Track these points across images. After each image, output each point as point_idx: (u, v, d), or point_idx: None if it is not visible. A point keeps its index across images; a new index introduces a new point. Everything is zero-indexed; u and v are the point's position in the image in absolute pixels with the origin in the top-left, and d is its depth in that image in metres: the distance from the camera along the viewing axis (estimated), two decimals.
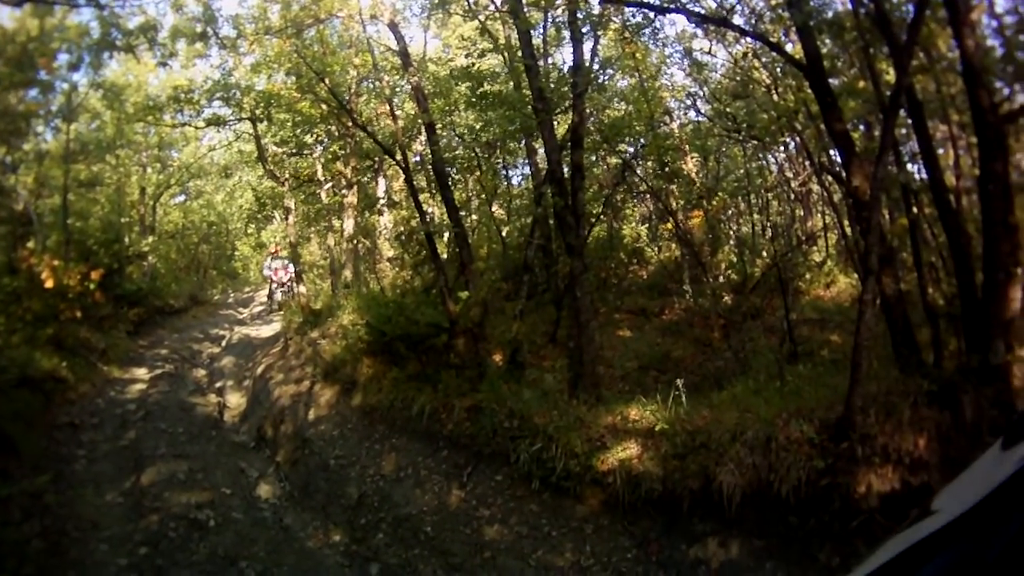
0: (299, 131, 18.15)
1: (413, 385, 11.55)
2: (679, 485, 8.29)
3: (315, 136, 17.96)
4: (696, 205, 18.06)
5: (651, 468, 8.54)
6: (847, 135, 9.01)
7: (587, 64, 12.55)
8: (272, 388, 14.32)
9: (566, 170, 12.23)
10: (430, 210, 17.21)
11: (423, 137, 15.01)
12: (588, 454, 9.02)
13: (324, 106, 14.72)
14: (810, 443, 7.83)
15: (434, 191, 16.33)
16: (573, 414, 9.77)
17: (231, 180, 27.69)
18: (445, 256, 14.90)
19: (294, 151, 19.43)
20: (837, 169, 10.39)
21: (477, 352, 11.71)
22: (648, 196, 19.37)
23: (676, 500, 8.30)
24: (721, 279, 16.65)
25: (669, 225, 18.51)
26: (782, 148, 19.03)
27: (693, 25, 16.41)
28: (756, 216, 22.51)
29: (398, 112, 16.28)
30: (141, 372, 16.83)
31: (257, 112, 18.04)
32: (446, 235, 14.88)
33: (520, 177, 21.43)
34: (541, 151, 16.33)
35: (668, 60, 19.66)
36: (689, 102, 20.15)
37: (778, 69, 14.84)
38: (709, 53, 17.25)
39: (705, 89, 19.22)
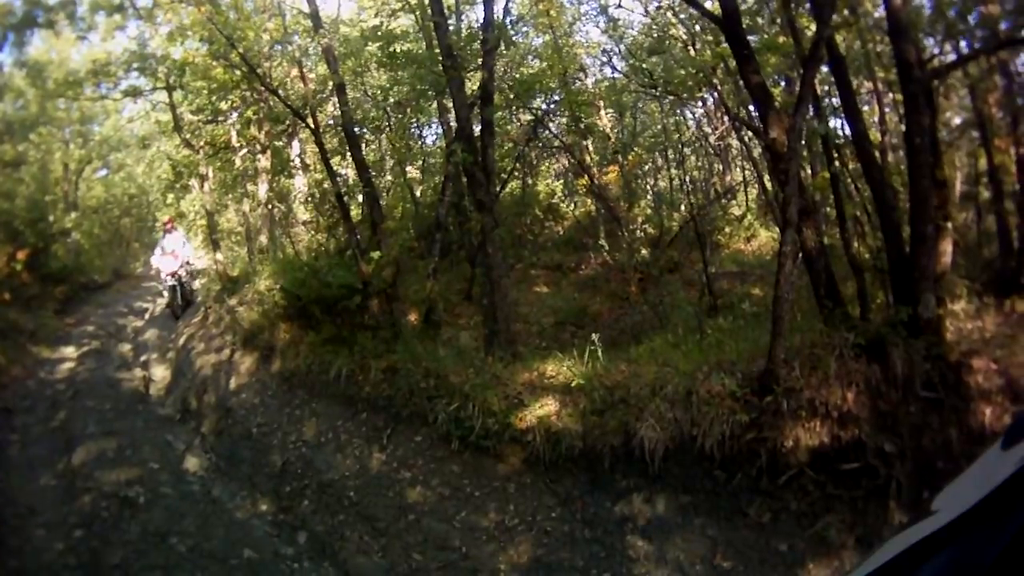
0: (214, 98, 17.86)
1: (330, 348, 11.54)
2: (600, 441, 8.40)
3: (229, 103, 17.72)
4: (611, 161, 18.14)
5: (570, 425, 8.64)
6: (764, 87, 9.03)
7: (499, 21, 12.59)
8: (194, 359, 14.29)
9: (476, 128, 12.27)
10: (344, 172, 17.04)
11: (335, 99, 14.93)
12: (506, 412, 9.09)
13: (238, 72, 14.62)
14: (732, 397, 7.94)
15: (346, 152, 16.23)
16: (489, 372, 9.86)
17: (150, 151, 27.27)
18: (358, 218, 14.90)
19: (209, 119, 19.12)
20: (756, 123, 10.49)
21: (391, 312, 11.78)
22: (562, 152, 19.40)
23: (598, 457, 8.41)
24: (638, 234, 16.73)
25: (584, 181, 18.56)
26: (700, 103, 19.18)
27: None
28: (674, 171, 22.67)
29: (310, 75, 16.30)
30: (69, 351, 16.88)
31: (172, 81, 17.90)
32: (359, 196, 14.84)
33: (434, 136, 21.33)
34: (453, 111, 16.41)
35: (583, 17, 19.74)
36: (604, 59, 20.25)
37: (696, 26, 15.00)
38: (623, 7, 17.34)
39: (621, 46, 19.30)
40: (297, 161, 18.62)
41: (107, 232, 31.97)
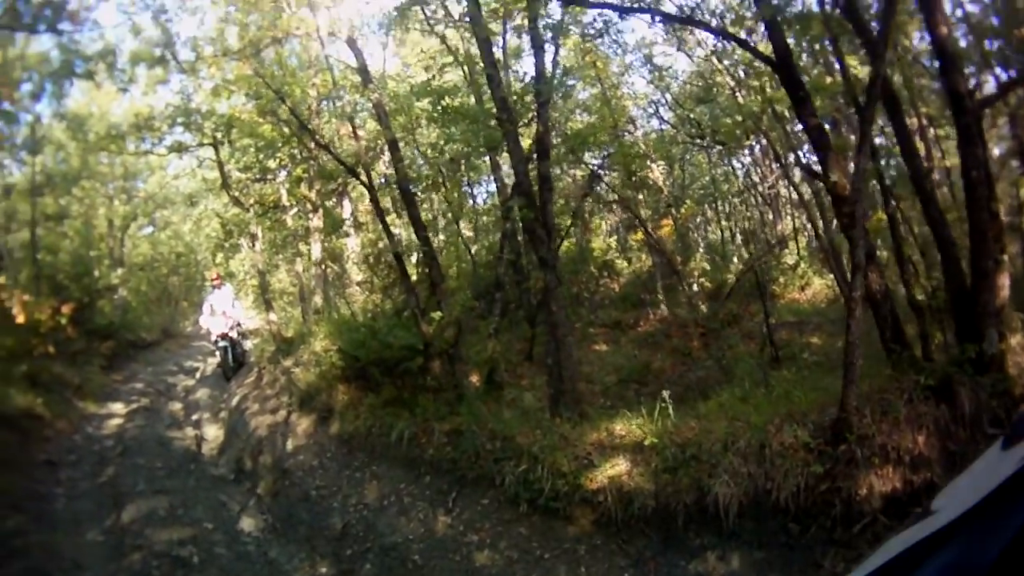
0: (261, 156, 17.88)
1: (390, 410, 11.39)
2: (673, 499, 8.18)
3: (278, 161, 17.66)
4: (664, 214, 18.02)
5: (642, 484, 8.44)
6: (822, 129, 9.01)
7: (550, 73, 12.49)
8: (248, 419, 14.09)
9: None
10: (397, 231, 16.86)
11: (386, 157, 14.80)
12: (575, 473, 8.89)
13: (286, 129, 14.55)
14: (806, 448, 7.80)
15: (400, 211, 16.09)
16: (557, 432, 9.66)
17: (197, 209, 27.23)
18: (415, 277, 14.74)
19: (258, 177, 19.10)
20: (813, 166, 10.35)
21: (453, 373, 11.60)
22: (616, 206, 19.27)
23: (671, 515, 8.19)
24: (695, 287, 16.59)
25: (638, 235, 18.44)
26: (747, 152, 19.08)
27: (657, 26, 16.41)
28: (724, 222, 22.54)
29: (360, 131, 16.05)
30: (117, 407, 16.65)
31: (219, 136, 17.77)
32: (414, 255, 14.69)
33: (486, 194, 21.15)
34: (505, 166, 16.25)
35: (629, 68, 19.65)
36: (652, 110, 20.19)
37: (741, 71, 14.91)
38: (674, 55, 17.29)
39: (667, 96, 19.24)
40: (350, 220, 18.45)
41: (155, 290, 31.81)
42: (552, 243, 11.89)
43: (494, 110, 12.06)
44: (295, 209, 18.52)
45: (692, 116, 17.37)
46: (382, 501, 10.41)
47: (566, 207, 17.75)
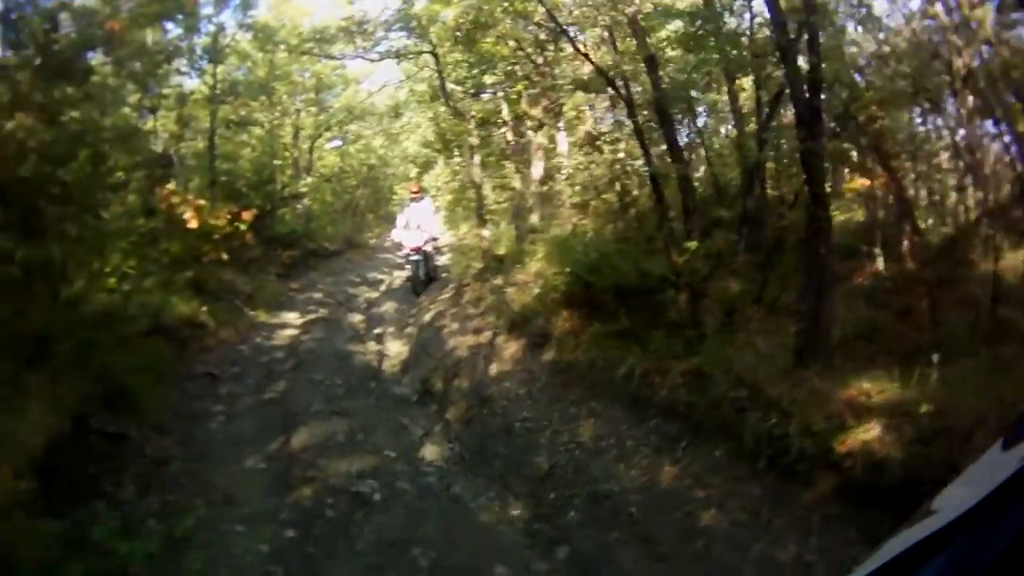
0: (475, 71, 17.30)
1: (618, 343, 10.11)
2: (923, 472, 6.76)
3: (496, 76, 16.90)
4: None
5: (894, 452, 7.10)
6: None
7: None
8: (445, 338, 13.17)
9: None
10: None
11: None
12: (828, 433, 7.58)
13: (512, 42, 13.60)
14: None
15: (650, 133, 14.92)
16: (807, 386, 8.32)
17: (399, 121, 26.74)
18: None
19: (473, 91, 18.34)
20: None
21: (695, 311, 10.33)
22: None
23: (918, 491, 6.85)
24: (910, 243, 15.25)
25: (854, 183, 16.94)
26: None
27: None
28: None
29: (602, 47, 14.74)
30: (292, 317, 16.16)
31: (439, 47, 16.97)
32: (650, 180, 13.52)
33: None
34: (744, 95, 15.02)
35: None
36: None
37: None
38: None
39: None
40: (563, 142, 17.44)
41: (341, 200, 31.52)
42: (824, 180, 10.43)
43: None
44: (506, 127, 17.56)
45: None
46: (598, 442, 9.20)
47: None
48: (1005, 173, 19.70)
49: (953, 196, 20.57)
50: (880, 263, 15.34)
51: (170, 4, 15.93)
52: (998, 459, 1.70)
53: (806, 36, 9.84)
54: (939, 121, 19.42)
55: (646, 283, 10.57)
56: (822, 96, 10.59)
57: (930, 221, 17.19)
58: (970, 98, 14.25)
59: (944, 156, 20.36)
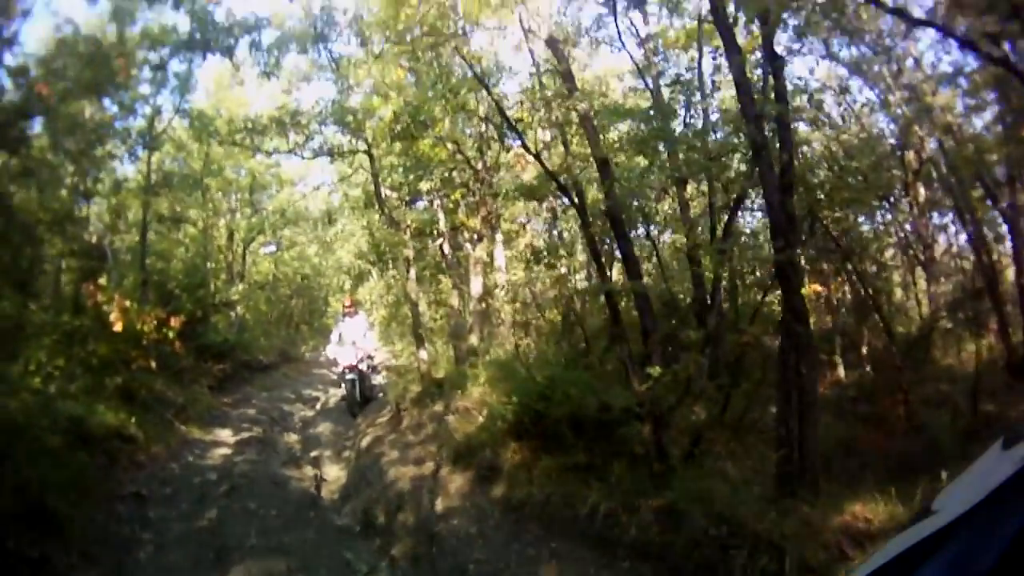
0: (411, 177, 16.78)
1: (575, 477, 9.53)
2: None
3: (432, 182, 16.46)
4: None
5: None
6: None
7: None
8: (384, 467, 12.40)
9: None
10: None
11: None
12: (827, 567, 7.02)
13: (450, 145, 13.07)
14: None
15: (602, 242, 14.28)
16: (797, 516, 7.81)
17: (333, 229, 26.41)
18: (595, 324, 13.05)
19: (408, 199, 18.07)
20: None
21: (660, 441, 9.64)
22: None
23: None
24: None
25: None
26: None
27: None
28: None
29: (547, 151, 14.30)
30: (225, 434, 15.31)
31: (374, 146, 16.37)
32: (601, 298, 12.95)
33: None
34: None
35: None
36: None
37: None
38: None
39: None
40: (500, 256, 16.94)
41: (274, 310, 31.38)
42: (800, 289, 9.91)
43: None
44: (441, 240, 17.32)
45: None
46: None
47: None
48: (954, 265, 19.74)
49: (902, 292, 20.57)
50: (841, 371, 14.95)
51: (102, 73, 15.60)
52: (998, 459, 1.67)
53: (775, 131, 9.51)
54: (889, 216, 19.44)
55: (608, 415, 10.06)
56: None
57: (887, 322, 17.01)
58: (922, 191, 14.04)
59: (893, 252, 20.37)
